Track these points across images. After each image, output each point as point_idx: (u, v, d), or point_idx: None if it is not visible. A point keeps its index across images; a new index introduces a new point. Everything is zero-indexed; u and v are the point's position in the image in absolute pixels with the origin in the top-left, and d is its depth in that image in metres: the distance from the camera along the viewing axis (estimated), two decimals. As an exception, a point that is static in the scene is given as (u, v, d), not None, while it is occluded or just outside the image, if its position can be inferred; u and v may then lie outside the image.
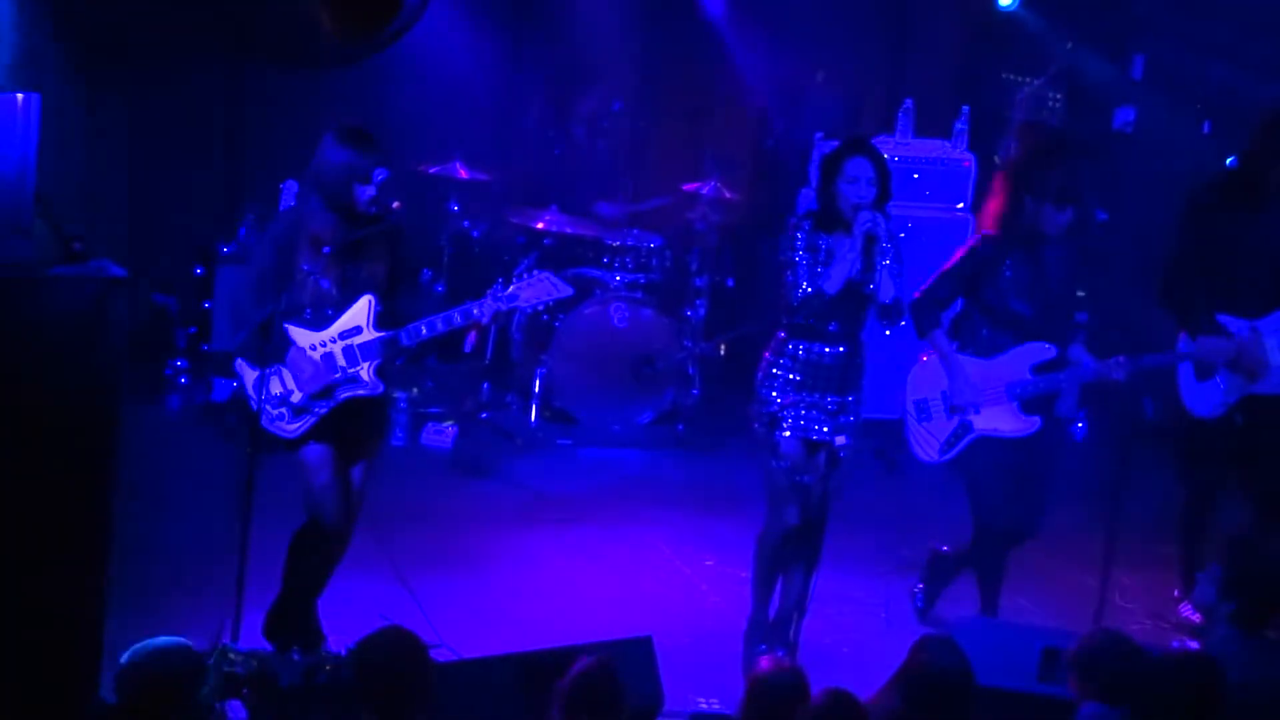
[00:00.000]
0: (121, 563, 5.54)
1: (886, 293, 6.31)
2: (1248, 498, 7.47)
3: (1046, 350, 6.80)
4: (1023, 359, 6.82)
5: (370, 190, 6.00)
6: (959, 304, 6.94)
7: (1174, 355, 7.16)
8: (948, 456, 6.93)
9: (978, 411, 6.83)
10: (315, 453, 6.12)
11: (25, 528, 5.18)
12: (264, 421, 6.04)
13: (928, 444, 6.93)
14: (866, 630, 7.21)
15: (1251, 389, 7.21)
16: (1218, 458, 7.42)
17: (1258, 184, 7.21)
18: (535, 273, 6.26)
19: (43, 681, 5.26)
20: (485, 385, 9.79)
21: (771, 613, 6.71)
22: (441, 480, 8.76)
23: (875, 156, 6.35)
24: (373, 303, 6.08)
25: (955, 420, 6.87)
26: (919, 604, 7.32)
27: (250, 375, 6.08)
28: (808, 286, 6.33)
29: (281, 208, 9.25)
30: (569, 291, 6.33)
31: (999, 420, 6.84)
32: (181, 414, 9.19)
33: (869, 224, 6.24)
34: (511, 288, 6.17)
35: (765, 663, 5.03)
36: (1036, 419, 6.85)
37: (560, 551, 7.80)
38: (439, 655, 5.14)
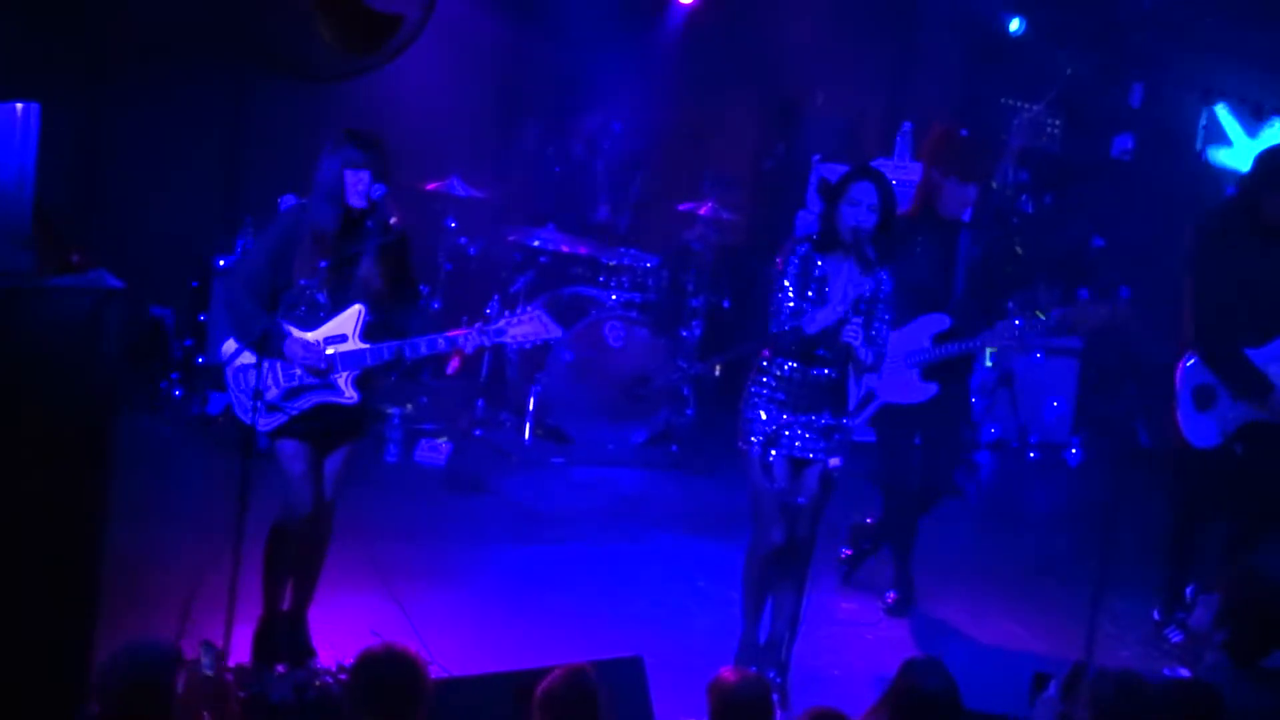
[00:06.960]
0: (113, 574, 5.53)
1: (868, 354, 6.39)
2: (1239, 522, 7.47)
3: (942, 320, 7.18)
4: (923, 329, 7.19)
5: (361, 179, 5.98)
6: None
7: (1048, 324, 7.25)
8: (854, 422, 7.03)
9: (880, 379, 6.99)
10: (289, 446, 6.14)
11: (15, 537, 5.18)
12: (241, 413, 6.09)
13: None
14: (856, 651, 7.20)
15: (1254, 416, 7.23)
16: (1214, 486, 7.42)
17: (1256, 214, 7.21)
18: (530, 308, 6.21)
19: (31, 693, 5.25)
20: (480, 402, 9.80)
21: (763, 634, 6.71)
22: (435, 497, 8.75)
23: (882, 184, 6.35)
24: (362, 313, 6.06)
25: (862, 388, 6.98)
26: (844, 570, 7.86)
27: (231, 366, 6.13)
28: (788, 322, 6.36)
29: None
30: (559, 334, 6.31)
31: (899, 387, 7.18)
32: (175, 426, 9.18)
33: (866, 287, 6.34)
34: (501, 322, 6.13)
35: (726, 673, 5.00)
36: (933, 385, 7.23)
37: (552, 570, 7.80)
38: (430, 672, 5.13)
